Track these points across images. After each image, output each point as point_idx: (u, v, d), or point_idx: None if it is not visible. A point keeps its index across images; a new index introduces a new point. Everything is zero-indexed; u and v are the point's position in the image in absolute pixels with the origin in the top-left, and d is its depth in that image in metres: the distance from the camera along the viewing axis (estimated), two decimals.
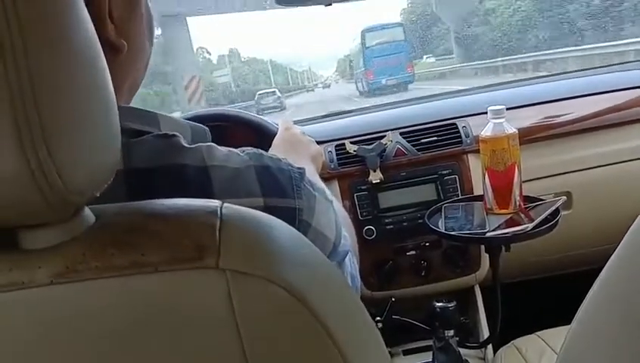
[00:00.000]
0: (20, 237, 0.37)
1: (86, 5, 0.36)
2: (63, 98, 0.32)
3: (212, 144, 0.58)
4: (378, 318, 1.30)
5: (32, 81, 0.30)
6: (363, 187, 1.30)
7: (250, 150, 0.60)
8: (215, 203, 0.40)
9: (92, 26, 0.36)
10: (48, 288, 0.35)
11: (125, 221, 0.39)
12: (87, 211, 0.39)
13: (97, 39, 0.37)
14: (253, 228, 0.40)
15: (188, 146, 0.56)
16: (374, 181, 1.27)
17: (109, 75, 0.37)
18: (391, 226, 1.30)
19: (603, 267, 0.52)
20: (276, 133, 1.09)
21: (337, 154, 1.33)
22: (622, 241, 0.50)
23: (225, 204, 0.40)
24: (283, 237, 0.41)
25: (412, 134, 1.34)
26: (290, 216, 0.58)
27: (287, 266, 0.39)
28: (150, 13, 0.63)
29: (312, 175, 0.92)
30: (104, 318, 0.35)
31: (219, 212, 0.39)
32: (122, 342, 0.36)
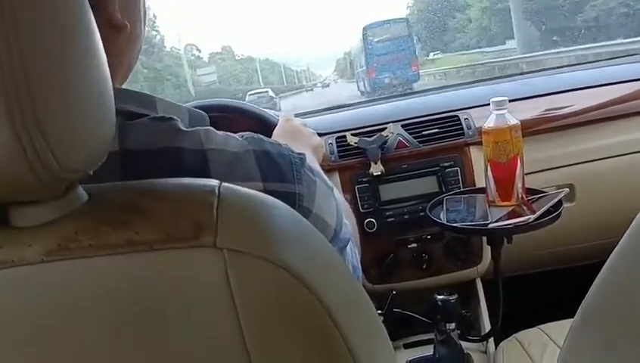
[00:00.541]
0: (11, 214, 0.36)
1: None
2: (55, 75, 0.32)
3: (210, 127, 0.57)
4: (379, 311, 1.30)
5: (24, 58, 0.30)
6: (364, 180, 1.29)
7: (248, 134, 0.59)
8: (213, 182, 0.40)
9: (88, 5, 0.36)
10: (39, 266, 0.34)
11: (119, 199, 0.38)
12: (80, 189, 0.38)
13: (93, 17, 0.36)
14: (252, 207, 0.39)
15: (185, 129, 0.55)
16: (375, 174, 1.26)
17: (104, 53, 0.37)
18: (392, 219, 1.29)
19: (605, 260, 0.52)
20: (277, 125, 1.08)
21: (337, 146, 1.32)
22: (625, 234, 0.49)
23: (224, 184, 0.39)
24: (282, 217, 0.41)
25: (414, 126, 1.34)
26: (290, 201, 0.57)
27: (286, 246, 0.38)
28: None
29: (313, 163, 0.92)
30: (97, 296, 0.35)
31: (217, 191, 0.38)
32: (116, 321, 0.35)
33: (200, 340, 0.35)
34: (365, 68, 17.07)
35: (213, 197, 0.37)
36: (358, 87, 19.51)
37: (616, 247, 0.50)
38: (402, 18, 17.20)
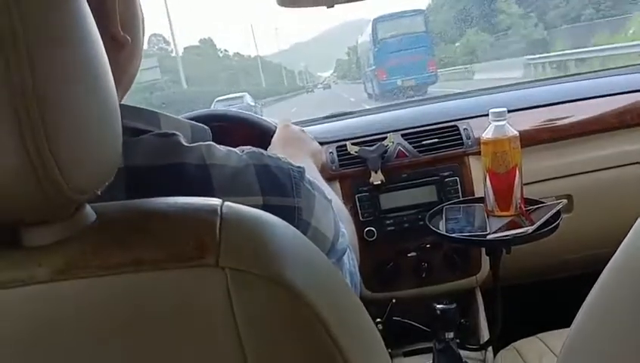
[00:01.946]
0: (22, 235, 0.37)
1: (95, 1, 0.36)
2: (65, 95, 0.33)
3: (212, 143, 0.58)
4: (379, 320, 1.30)
5: (35, 78, 0.31)
6: (364, 189, 1.30)
7: (249, 149, 0.60)
8: (215, 201, 0.40)
9: (94, 23, 0.36)
10: (48, 285, 0.35)
11: (125, 219, 0.39)
12: (88, 209, 0.39)
13: (99, 37, 0.37)
14: (254, 227, 0.40)
15: (188, 145, 0.56)
16: (375, 183, 1.27)
17: (111, 73, 0.38)
18: (392, 227, 1.30)
19: (603, 270, 0.52)
20: (275, 131, 1.09)
21: (338, 155, 1.33)
22: (622, 244, 0.50)
23: (226, 203, 0.40)
24: (283, 236, 0.41)
25: (414, 135, 1.35)
26: (290, 215, 0.58)
27: (287, 265, 0.39)
28: (141, 7, 0.63)
29: (312, 171, 0.93)
30: (104, 315, 0.36)
31: (219, 211, 0.39)
32: (122, 340, 0.36)
33: (202, 358, 0.36)
34: (374, 68, 14.86)
35: (216, 217, 0.38)
36: (365, 88, 17.23)
37: (614, 256, 0.50)
38: (418, 10, 14.86)
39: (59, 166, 0.32)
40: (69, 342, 0.36)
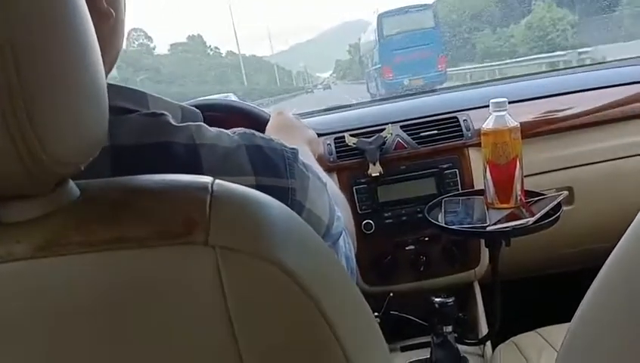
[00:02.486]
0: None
1: None
2: (47, 67, 0.31)
3: (202, 123, 0.57)
4: (376, 314, 1.29)
5: (15, 48, 0.29)
6: (362, 181, 1.29)
7: (240, 130, 0.59)
8: (206, 178, 0.39)
9: None
10: (28, 262, 0.34)
11: (110, 195, 0.38)
12: (71, 184, 0.37)
13: (87, 9, 0.35)
14: (245, 205, 0.39)
15: (177, 124, 0.55)
16: (373, 175, 1.26)
17: (98, 46, 0.36)
18: (390, 220, 1.29)
19: (604, 264, 0.51)
20: (269, 120, 1.08)
21: (336, 147, 1.32)
22: (623, 237, 0.48)
23: (217, 180, 0.39)
24: (275, 214, 0.40)
25: (412, 127, 1.33)
26: (283, 196, 0.57)
27: (279, 243, 0.37)
28: None
29: (307, 156, 0.91)
30: (87, 293, 0.34)
31: (210, 188, 0.37)
32: (105, 318, 0.34)
33: (191, 338, 0.35)
34: (378, 66, 13.84)
35: (206, 194, 0.37)
36: (368, 88, 16.13)
37: (615, 249, 0.49)
38: (426, 4, 13.65)
39: (39, 138, 0.31)
40: (49, 321, 0.34)
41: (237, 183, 0.40)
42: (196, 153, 0.53)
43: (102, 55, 0.58)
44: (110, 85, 0.56)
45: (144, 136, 0.53)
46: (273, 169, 0.57)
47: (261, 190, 0.42)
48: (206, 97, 1.23)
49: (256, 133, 0.59)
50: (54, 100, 0.32)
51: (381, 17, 13.31)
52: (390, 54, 13.11)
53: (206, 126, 0.56)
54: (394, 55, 13.05)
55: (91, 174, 0.38)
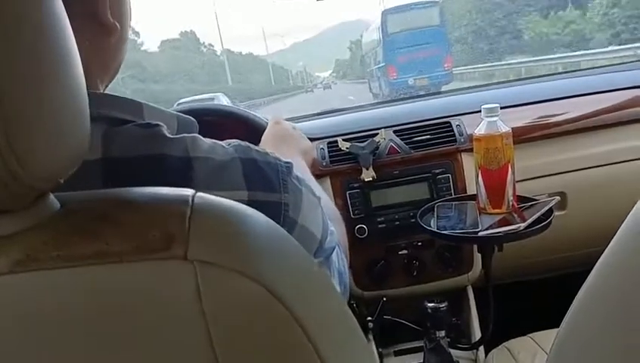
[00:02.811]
0: None
1: None
2: (26, 78, 0.31)
3: (197, 135, 0.57)
4: (369, 318, 1.29)
5: None
6: (355, 185, 1.28)
7: (236, 142, 0.58)
8: (187, 191, 0.38)
9: (62, 5, 0.35)
10: (7, 277, 0.33)
11: (90, 208, 0.37)
12: (51, 198, 0.37)
13: (67, 20, 0.35)
14: (226, 218, 0.38)
15: (171, 136, 0.54)
16: (366, 179, 1.26)
17: (79, 58, 0.36)
18: (383, 225, 1.29)
19: (592, 268, 0.51)
20: (266, 128, 1.08)
21: (329, 151, 1.32)
22: (611, 242, 0.49)
23: (198, 193, 0.38)
24: (257, 229, 0.39)
25: (406, 132, 1.33)
26: (276, 211, 0.56)
27: (261, 258, 0.37)
28: None
29: (302, 169, 0.91)
30: (66, 308, 0.34)
31: (190, 201, 0.37)
32: (84, 334, 0.34)
33: (170, 354, 0.34)
34: (382, 65, 13.21)
35: (186, 207, 0.36)
36: (370, 88, 15.47)
37: (603, 255, 0.49)
38: (432, 1, 12.91)
39: (16, 154, 0.30)
40: (29, 336, 0.34)
41: (230, 198, 0.40)
42: (189, 166, 0.53)
43: (104, 66, 0.59)
44: (106, 95, 0.56)
45: (137, 148, 0.53)
46: (266, 183, 0.57)
47: (253, 205, 0.41)
48: (197, 100, 1.23)
49: (251, 146, 0.59)
50: (32, 114, 0.31)
51: (385, 14, 12.72)
52: (394, 52, 12.60)
53: (201, 138, 0.56)
54: (398, 54, 12.56)
55: (82, 186, 0.38)
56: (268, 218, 0.41)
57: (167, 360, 0.34)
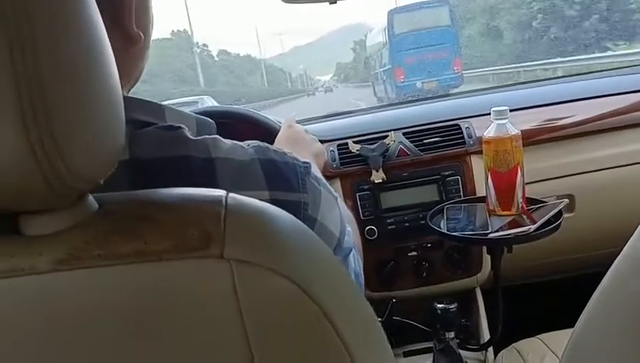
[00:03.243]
0: (22, 223, 0.36)
1: None
2: (69, 83, 0.32)
3: (218, 136, 0.58)
4: (379, 319, 1.30)
5: (39, 64, 0.30)
6: (365, 187, 1.30)
7: (255, 143, 0.60)
8: (220, 192, 0.40)
9: (99, 13, 0.36)
10: (50, 275, 0.34)
11: (129, 209, 0.39)
12: (90, 198, 0.38)
13: (104, 28, 0.36)
14: (259, 218, 0.40)
15: (193, 138, 0.56)
16: (376, 181, 1.27)
17: (114, 63, 0.37)
18: (393, 226, 1.30)
19: (604, 270, 0.52)
20: (279, 131, 1.09)
21: (339, 153, 1.33)
22: (627, 244, 0.49)
23: (231, 194, 0.40)
24: (288, 228, 0.41)
25: (415, 134, 1.34)
26: (296, 210, 0.58)
27: (292, 257, 0.38)
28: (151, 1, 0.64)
29: (315, 170, 0.92)
30: (106, 305, 0.35)
31: (224, 201, 0.38)
32: (125, 330, 0.35)
33: (207, 351, 0.36)
34: (388, 67, 12.46)
35: (221, 208, 0.38)
36: (374, 91, 14.66)
37: (619, 257, 0.50)
38: (441, 0, 12.03)
39: (61, 154, 0.32)
40: (70, 333, 0.35)
41: (251, 196, 0.41)
42: (212, 167, 0.54)
43: (127, 74, 0.60)
44: (128, 98, 0.58)
45: (162, 149, 0.54)
46: (286, 183, 0.58)
47: (274, 204, 0.43)
48: (178, 103, 1.25)
49: (270, 146, 0.60)
50: (75, 115, 0.33)
51: (392, 14, 11.94)
52: (401, 54, 11.83)
53: (221, 139, 0.57)
54: (406, 55, 11.80)
55: (110, 186, 0.39)
56: (295, 218, 0.43)
57: (204, 357, 0.36)
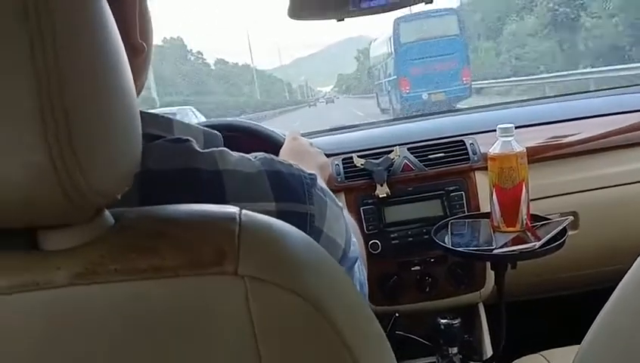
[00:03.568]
0: (40, 239, 0.37)
1: (117, 6, 0.37)
2: (89, 98, 0.33)
3: (225, 148, 0.59)
4: None
5: (60, 79, 0.31)
6: (369, 201, 1.30)
7: (261, 155, 0.60)
8: (233, 209, 0.40)
9: (117, 29, 0.37)
10: (66, 289, 0.35)
11: (145, 224, 0.39)
12: (107, 213, 0.39)
13: (122, 43, 0.37)
14: (272, 236, 0.40)
15: (201, 150, 0.56)
16: (380, 196, 1.27)
17: (132, 77, 0.38)
18: (396, 241, 1.30)
19: (608, 288, 0.52)
20: (283, 143, 1.10)
21: (344, 167, 1.33)
22: (634, 264, 0.49)
23: (244, 211, 0.40)
24: (298, 245, 0.41)
25: (420, 149, 1.35)
26: (302, 221, 0.58)
27: (303, 273, 0.39)
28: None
29: (321, 182, 0.93)
30: (122, 320, 0.35)
31: (238, 218, 0.39)
32: (140, 346, 0.36)
33: None
34: (394, 78, 11.95)
35: (235, 225, 0.38)
36: (378, 103, 14.08)
37: (627, 274, 0.50)
38: (449, 9, 11.75)
39: (81, 168, 0.32)
40: (86, 348, 0.35)
41: (258, 209, 0.42)
42: (220, 179, 0.55)
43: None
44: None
45: (170, 162, 0.55)
46: (293, 194, 0.58)
47: (281, 216, 0.43)
48: (227, 119, 1.25)
49: (276, 158, 0.61)
50: (94, 130, 0.33)
51: (398, 22, 11.35)
52: (408, 63, 11.29)
53: (229, 151, 0.58)
54: (412, 65, 11.31)
55: (120, 199, 0.39)
56: (305, 234, 0.43)
57: None
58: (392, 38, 11.73)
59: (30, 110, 0.30)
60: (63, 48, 0.31)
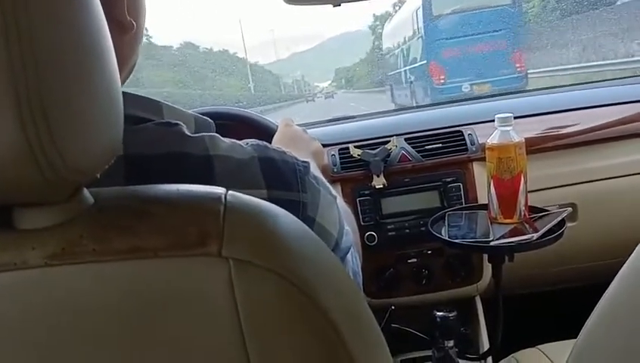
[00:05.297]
0: (15, 216, 0.35)
1: None
2: (66, 74, 0.31)
3: (216, 134, 0.57)
4: None
5: (35, 55, 0.30)
6: (366, 192, 1.29)
7: (254, 141, 0.59)
8: (219, 189, 0.39)
9: (100, 5, 0.35)
10: (42, 270, 0.34)
11: (125, 204, 0.38)
12: (86, 192, 0.37)
13: (104, 19, 0.36)
14: (258, 217, 0.39)
15: (191, 135, 0.55)
16: (377, 186, 1.26)
17: (114, 55, 0.37)
18: (393, 232, 1.29)
19: (606, 281, 0.51)
20: (276, 131, 1.08)
21: (340, 158, 1.32)
22: (632, 256, 0.48)
23: (230, 191, 0.39)
24: (287, 228, 0.40)
25: (417, 140, 1.33)
26: (294, 210, 0.57)
27: (291, 257, 0.38)
28: None
29: (314, 170, 0.92)
30: (100, 301, 0.34)
31: (223, 199, 0.38)
32: (118, 327, 0.34)
33: (202, 349, 0.35)
34: (421, 64, 8.46)
35: (220, 205, 0.37)
36: (392, 98, 10.60)
37: (623, 267, 0.49)
38: None
39: (56, 146, 0.31)
40: (61, 329, 0.34)
41: (250, 195, 0.40)
42: (210, 164, 0.53)
43: (121, 64, 0.59)
44: (126, 94, 0.57)
45: (158, 146, 0.53)
46: (285, 182, 0.57)
47: (273, 203, 0.42)
48: (219, 106, 1.24)
49: (269, 145, 0.59)
50: (72, 107, 0.32)
51: None
52: (441, 44, 8.17)
53: (220, 137, 0.57)
54: (446, 45, 8.18)
55: (105, 182, 0.38)
56: (295, 218, 0.42)
57: (199, 355, 0.35)
58: (417, 13, 8.60)
59: (4, 86, 0.29)
60: (37, 24, 0.30)
